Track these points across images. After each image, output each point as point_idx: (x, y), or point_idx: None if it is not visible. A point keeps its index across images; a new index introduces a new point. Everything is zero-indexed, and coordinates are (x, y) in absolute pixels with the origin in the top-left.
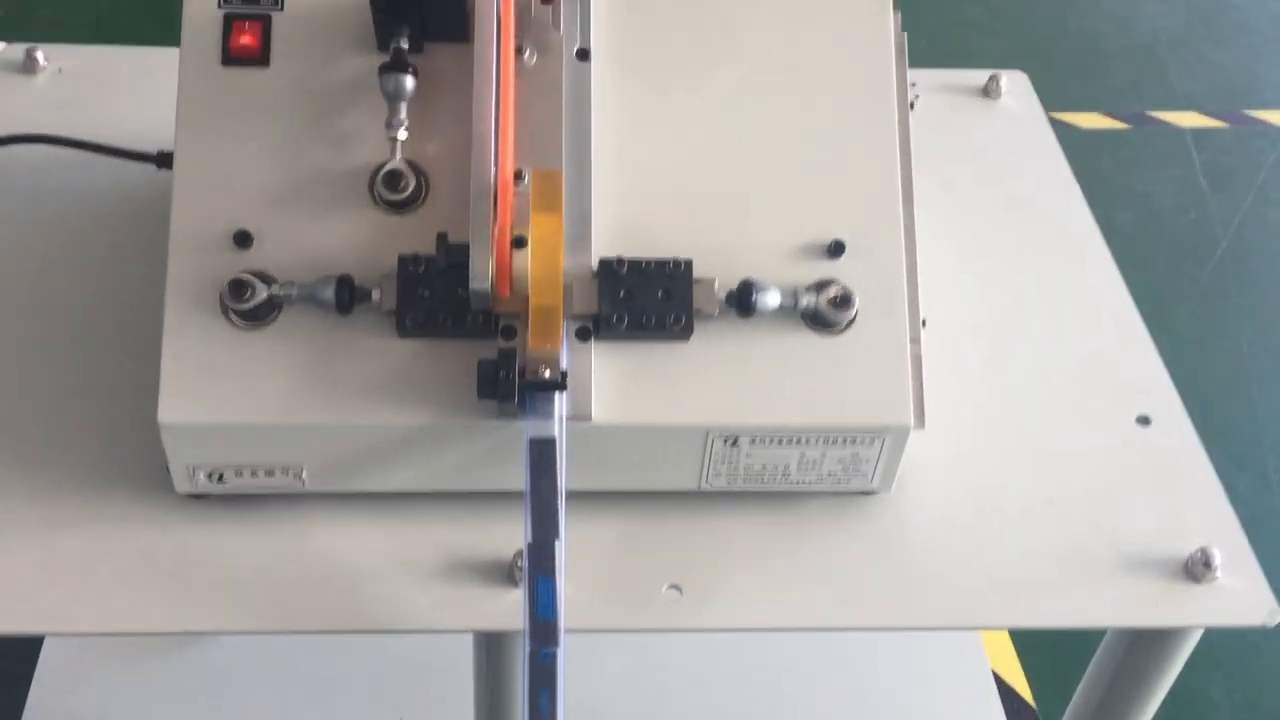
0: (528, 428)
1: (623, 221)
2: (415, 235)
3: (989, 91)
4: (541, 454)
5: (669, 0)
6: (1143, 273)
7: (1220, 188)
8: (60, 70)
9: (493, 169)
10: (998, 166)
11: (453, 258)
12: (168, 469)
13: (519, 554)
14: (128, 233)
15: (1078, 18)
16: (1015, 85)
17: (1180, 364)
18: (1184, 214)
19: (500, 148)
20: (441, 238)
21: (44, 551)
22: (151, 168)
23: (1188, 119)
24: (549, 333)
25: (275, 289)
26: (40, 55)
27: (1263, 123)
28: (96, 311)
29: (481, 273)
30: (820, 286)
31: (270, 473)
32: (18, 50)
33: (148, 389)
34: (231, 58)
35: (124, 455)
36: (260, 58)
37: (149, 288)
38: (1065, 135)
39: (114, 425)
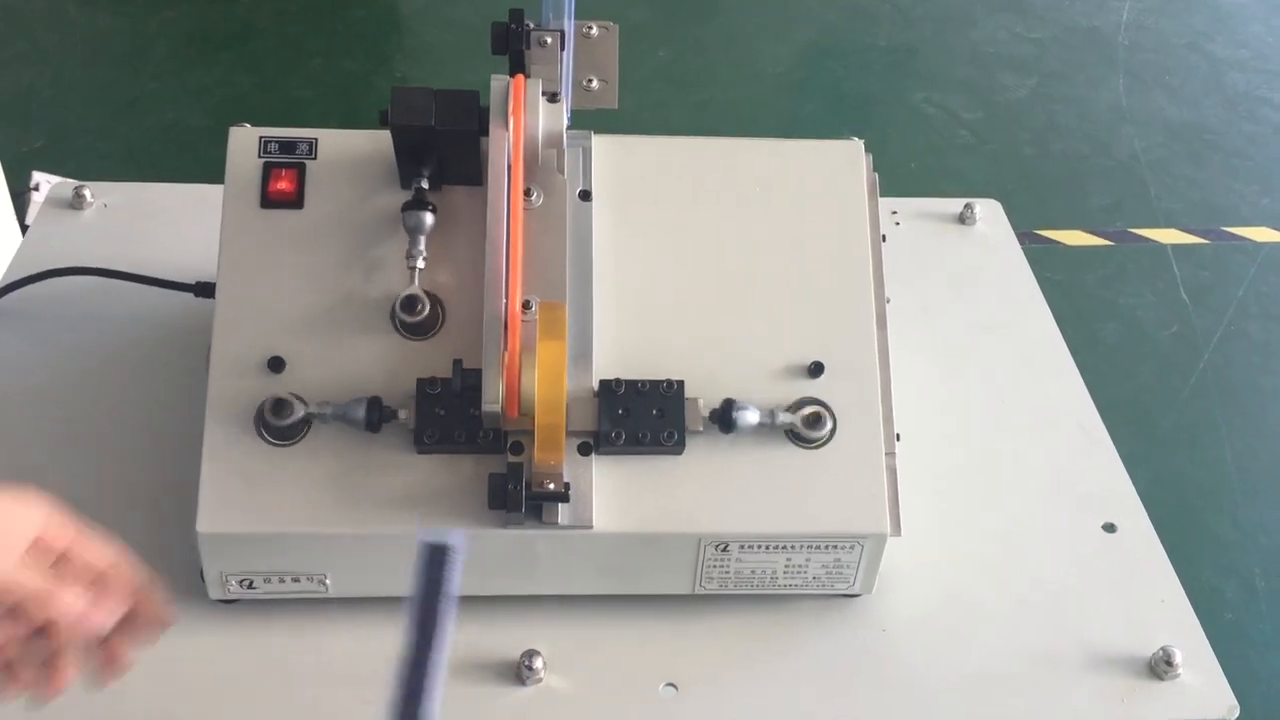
0: (420, 533)
1: (620, 345)
2: (433, 359)
3: (964, 218)
4: (433, 560)
5: (659, 147)
6: (1127, 384)
7: (1201, 301)
8: (105, 205)
9: (504, 300)
10: (971, 288)
11: (467, 381)
12: (201, 576)
13: (525, 654)
14: (166, 356)
15: (1060, 140)
16: (989, 212)
17: (1164, 474)
18: (1166, 327)
19: (510, 281)
20: (457, 363)
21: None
22: (189, 296)
23: (1169, 235)
24: (553, 449)
25: (312, 408)
26: (87, 192)
27: (1240, 238)
28: (135, 429)
29: (493, 395)
30: (797, 405)
31: (296, 579)
32: (67, 187)
33: (182, 501)
34: (270, 201)
35: (158, 563)
36: (295, 200)
37: (185, 407)
38: (1050, 252)
39: (151, 535)
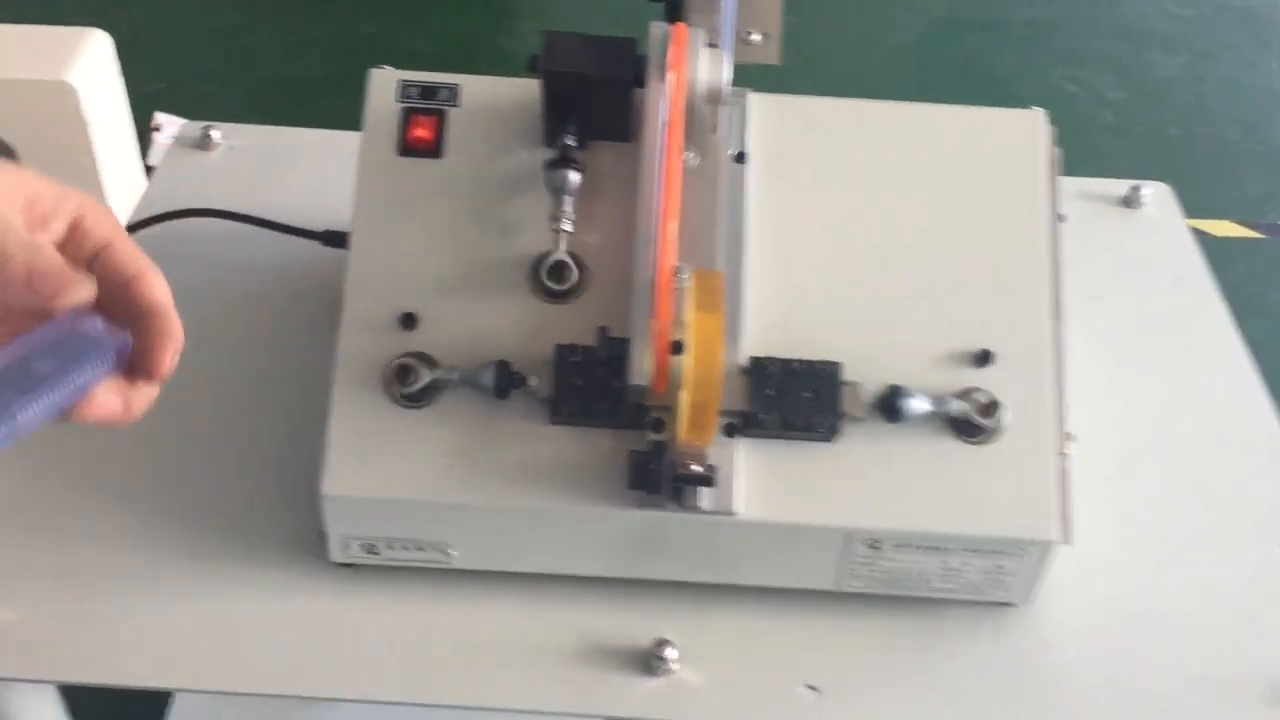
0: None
1: (771, 321)
2: (570, 324)
3: (1130, 201)
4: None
5: (821, 109)
6: (1274, 386)
7: None
8: (232, 147)
9: (654, 267)
10: (1141, 279)
11: (612, 351)
12: (322, 537)
13: (657, 642)
14: (291, 304)
15: (1209, 123)
16: (1158, 196)
17: None
18: None
19: (663, 247)
20: (602, 331)
21: (199, 609)
22: (316, 244)
23: None
24: (703, 430)
25: (438, 374)
26: (215, 133)
27: None
28: (258, 380)
29: (641, 368)
30: (967, 393)
31: (420, 547)
32: (195, 128)
33: (303, 459)
34: (408, 148)
35: (279, 520)
36: (434, 149)
37: (308, 358)
38: (1197, 242)
39: (272, 491)
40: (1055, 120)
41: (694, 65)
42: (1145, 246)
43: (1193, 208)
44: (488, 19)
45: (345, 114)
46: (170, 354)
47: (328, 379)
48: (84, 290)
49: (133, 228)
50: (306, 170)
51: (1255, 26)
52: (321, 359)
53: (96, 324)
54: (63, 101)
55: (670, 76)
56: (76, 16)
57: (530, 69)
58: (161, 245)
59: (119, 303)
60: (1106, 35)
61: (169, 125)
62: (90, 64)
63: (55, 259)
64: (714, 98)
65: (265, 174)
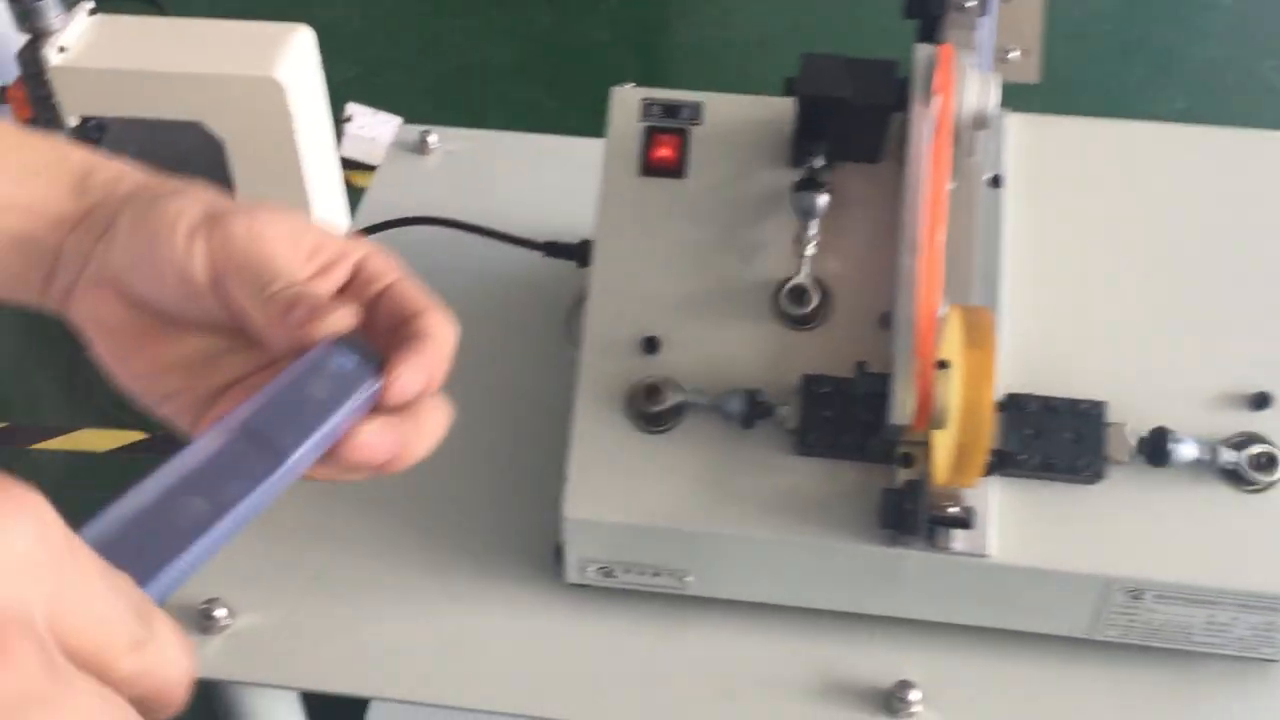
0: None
1: (1029, 354)
2: (814, 352)
3: None
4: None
5: (1083, 130)
6: None
7: None
8: (449, 152)
9: (919, 302)
10: None
11: (871, 388)
12: (556, 556)
13: (899, 683)
14: (513, 315)
15: None
16: None
17: None
18: None
19: (931, 282)
20: (860, 366)
21: (437, 623)
22: (536, 254)
23: None
24: (968, 472)
25: (686, 396)
26: (432, 138)
27: None
28: (491, 394)
29: (904, 407)
30: (1242, 443)
31: (657, 573)
32: (413, 131)
33: (537, 477)
34: (650, 168)
35: (513, 537)
36: (677, 169)
37: (540, 374)
38: None
39: (506, 507)
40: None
41: (962, 89)
42: None
43: None
44: (665, 7)
45: (532, 104)
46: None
47: (561, 396)
48: (344, 318)
49: (357, 235)
50: (523, 176)
51: None
52: (552, 374)
53: (353, 354)
54: (270, 97)
55: (936, 101)
56: (267, 9)
57: (787, 91)
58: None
59: (399, 340)
60: None
61: (360, 116)
62: (295, 60)
63: (316, 291)
64: (980, 123)
65: (482, 179)
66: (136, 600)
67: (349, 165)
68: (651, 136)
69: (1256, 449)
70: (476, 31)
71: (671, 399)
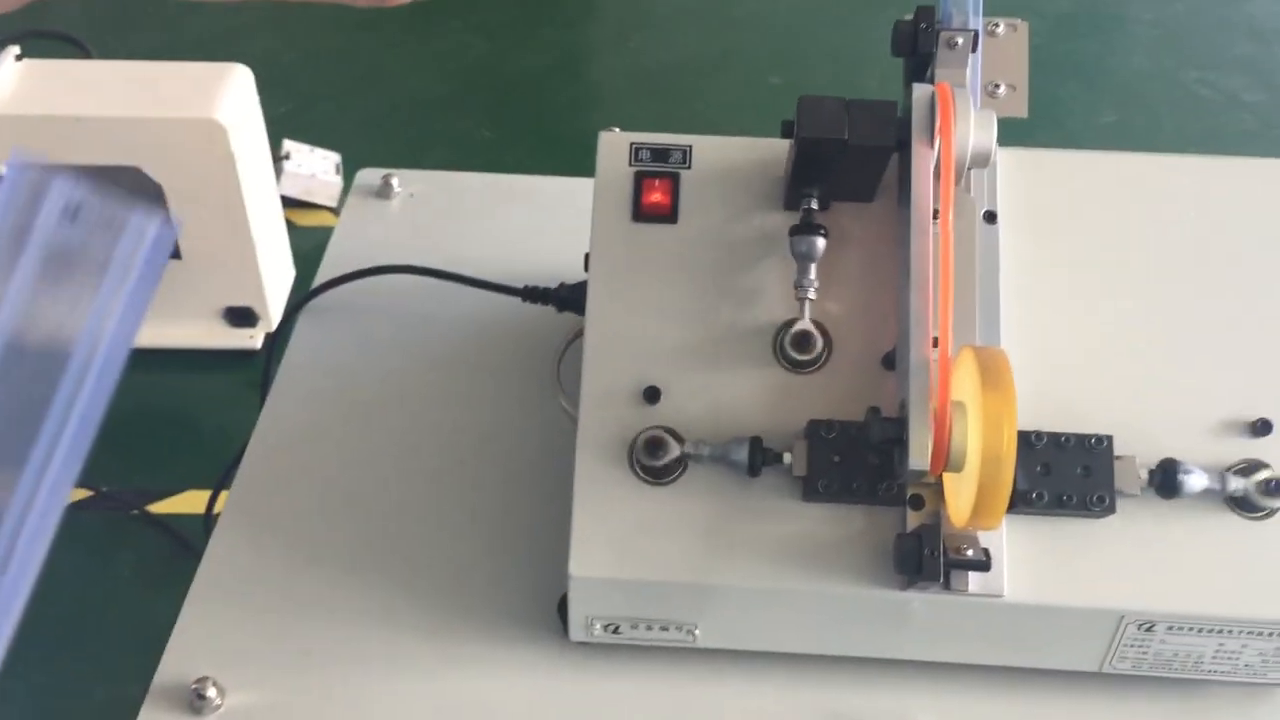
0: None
1: (1032, 390)
2: (817, 395)
3: None
4: None
5: (1074, 163)
6: None
7: None
8: (412, 195)
9: (929, 344)
10: None
11: (886, 433)
12: (561, 613)
13: None
14: (499, 363)
15: None
16: None
17: None
18: None
19: (942, 323)
20: (874, 412)
21: (438, 690)
22: (514, 300)
23: None
24: (992, 515)
25: (688, 448)
26: (394, 180)
27: None
28: (478, 446)
29: (922, 451)
30: (1248, 470)
31: (665, 628)
32: (374, 175)
33: (534, 530)
34: (642, 214)
35: (512, 596)
36: (669, 214)
37: (528, 421)
38: None
39: (503, 564)
40: (1192, 127)
41: (964, 129)
42: None
43: None
44: (598, 34)
45: (470, 136)
46: None
47: (553, 445)
48: None
49: (326, 286)
50: (488, 217)
51: None
52: (542, 423)
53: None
54: (211, 139)
55: (938, 142)
56: (194, 48)
57: (785, 134)
58: (354, 301)
59: None
60: (1236, 35)
61: (297, 153)
62: (235, 100)
63: None
64: (981, 161)
65: (447, 222)
66: None
67: (288, 203)
68: (642, 182)
69: (1263, 475)
70: (411, 63)
71: (677, 449)
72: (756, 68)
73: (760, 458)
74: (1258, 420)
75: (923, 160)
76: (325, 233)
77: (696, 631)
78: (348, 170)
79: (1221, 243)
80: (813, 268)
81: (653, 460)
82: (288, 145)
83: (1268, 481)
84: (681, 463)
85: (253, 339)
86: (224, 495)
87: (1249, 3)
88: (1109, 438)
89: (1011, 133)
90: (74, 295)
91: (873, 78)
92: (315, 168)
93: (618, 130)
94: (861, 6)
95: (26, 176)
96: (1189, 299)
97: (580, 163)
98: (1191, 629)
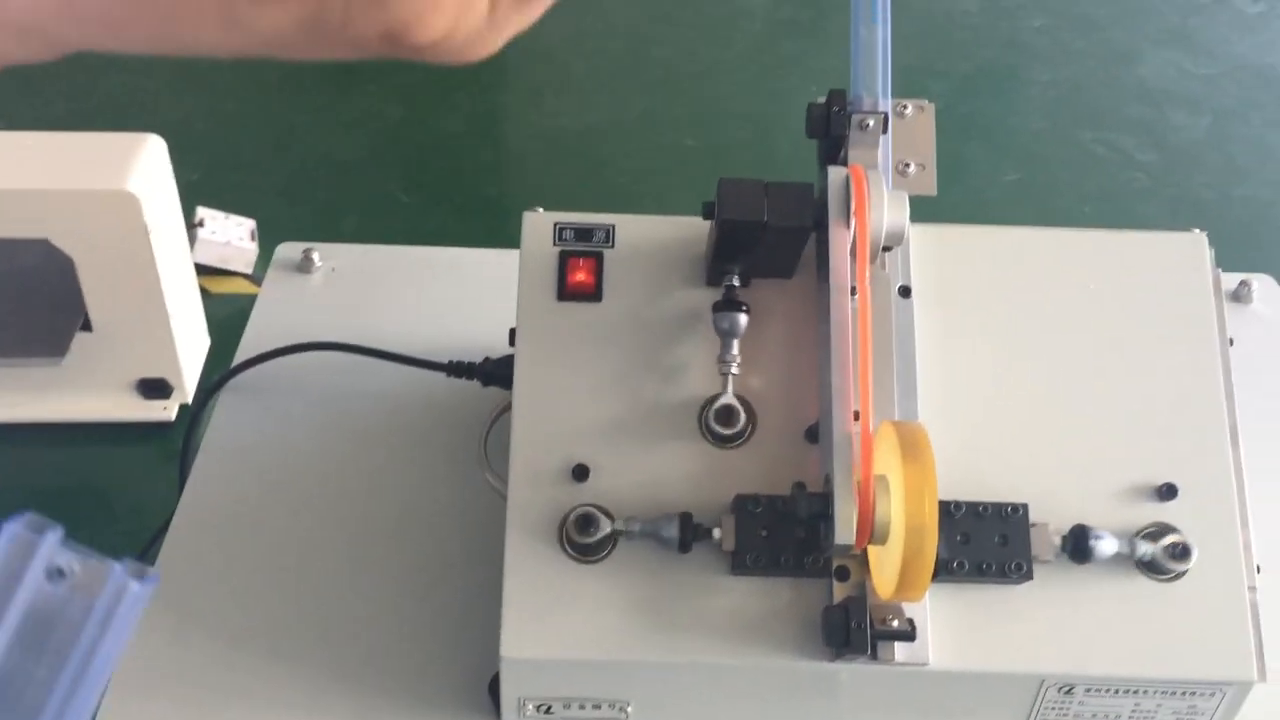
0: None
1: (948, 460)
2: (744, 469)
3: (1240, 296)
4: None
5: (980, 238)
6: None
7: None
8: (334, 269)
9: (851, 418)
10: (1264, 381)
11: (813, 508)
12: (491, 694)
13: None
14: (422, 439)
15: (1242, 184)
16: (1266, 290)
17: None
18: None
19: (863, 399)
20: (799, 487)
21: None
22: (439, 374)
23: None
24: (917, 587)
25: (619, 524)
26: (315, 255)
27: None
28: (403, 523)
29: (849, 526)
30: (1156, 534)
31: (598, 706)
32: (295, 250)
33: (459, 610)
34: (567, 293)
35: (438, 677)
36: (594, 293)
37: (453, 499)
38: None
39: (431, 647)
40: (1089, 185)
41: (878, 211)
42: (1264, 346)
43: (1237, 271)
44: (514, 97)
45: (387, 200)
46: None
47: (481, 522)
48: None
49: (247, 364)
50: (411, 290)
51: (1276, 85)
52: (470, 499)
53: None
54: (124, 211)
55: (854, 223)
56: (101, 116)
57: (706, 215)
58: (276, 378)
59: None
60: (1128, 97)
61: (211, 220)
62: (147, 170)
63: None
64: (895, 240)
65: (370, 295)
66: None
67: (202, 270)
68: (567, 261)
69: (1170, 539)
70: (325, 126)
71: (608, 525)
72: (672, 129)
73: (691, 533)
74: (1163, 485)
75: (840, 241)
76: (241, 300)
77: (629, 709)
78: (263, 235)
79: (1121, 313)
80: (735, 343)
81: (584, 538)
82: (202, 212)
83: (1174, 546)
84: (612, 539)
85: (166, 410)
86: None
87: (1138, 65)
88: (1024, 506)
89: (922, 198)
90: (50, 660)
91: (784, 139)
92: (230, 234)
93: (541, 210)
94: (773, 69)
95: (16, 539)
96: (1093, 368)
97: (497, 227)
98: (1109, 690)
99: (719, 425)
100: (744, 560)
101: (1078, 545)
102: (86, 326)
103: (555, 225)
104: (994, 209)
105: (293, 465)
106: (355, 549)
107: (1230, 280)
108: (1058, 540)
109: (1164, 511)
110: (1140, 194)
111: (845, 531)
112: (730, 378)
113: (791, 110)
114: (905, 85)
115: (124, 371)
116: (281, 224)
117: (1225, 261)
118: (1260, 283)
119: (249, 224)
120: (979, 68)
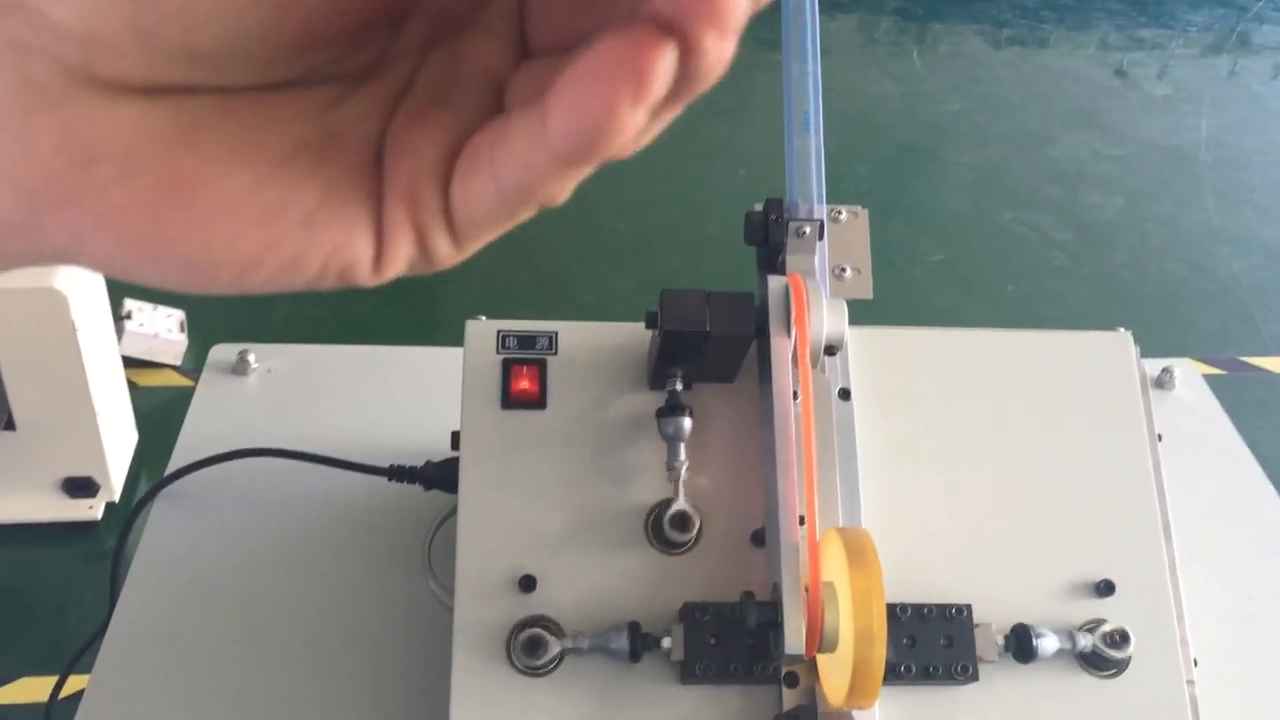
0: None
1: (893, 565)
2: (691, 576)
3: (1162, 384)
4: None
5: (914, 340)
6: None
7: None
8: (270, 370)
9: (797, 527)
10: (1189, 468)
11: (762, 617)
12: None
13: None
14: (364, 542)
15: (1156, 261)
16: (1186, 375)
17: None
18: None
19: (809, 507)
20: (748, 596)
21: None
22: (379, 478)
23: None
24: (867, 693)
25: (567, 643)
26: (251, 356)
27: None
28: (348, 633)
29: (796, 636)
30: (1094, 627)
31: None
32: (230, 352)
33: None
34: (511, 401)
35: None
36: (538, 401)
37: (398, 605)
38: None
39: None
40: (1011, 264)
41: (817, 320)
42: (1188, 434)
43: (1153, 347)
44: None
45: (318, 294)
46: None
47: (427, 629)
48: None
49: (183, 471)
50: (347, 390)
51: (1185, 165)
52: (410, 605)
53: None
54: (51, 308)
55: (795, 332)
56: None
57: (649, 325)
58: (212, 485)
59: None
60: (1044, 177)
61: (139, 312)
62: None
63: None
64: (835, 346)
65: (307, 397)
66: None
67: (130, 363)
68: (510, 369)
69: (1108, 626)
70: None
71: (556, 646)
72: (604, 216)
73: (640, 643)
74: (1100, 581)
75: (780, 348)
76: (170, 392)
77: None
78: (192, 326)
79: (1055, 413)
80: (682, 447)
81: (533, 660)
82: (129, 304)
83: (1113, 634)
84: (561, 655)
85: (93, 510)
86: (71, 681)
87: (1051, 147)
88: (968, 606)
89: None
90: None
91: (714, 223)
92: (158, 326)
93: (484, 318)
94: (701, 154)
95: None
96: (1029, 467)
97: (426, 314)
98: None
99: (674, 531)
100: (694, 669)
101: (1020, 645)
102: (10, 425)
103: (498, 333)
104: (921, 289)
105: (230, 575)
106: (296, 661)
107: (1153, 367)
108: (1001, 640)
109: (1102, 608)
110: (1059, 272)
111: (795, 641)
112: (681, 483)
113: (720, 196)
114: (831, 169)
115: (49, 470)
116: (212, 315)
117: (1143, 337)
118: (1181, 369)
119: (178, 315)
120: (901, 149)
